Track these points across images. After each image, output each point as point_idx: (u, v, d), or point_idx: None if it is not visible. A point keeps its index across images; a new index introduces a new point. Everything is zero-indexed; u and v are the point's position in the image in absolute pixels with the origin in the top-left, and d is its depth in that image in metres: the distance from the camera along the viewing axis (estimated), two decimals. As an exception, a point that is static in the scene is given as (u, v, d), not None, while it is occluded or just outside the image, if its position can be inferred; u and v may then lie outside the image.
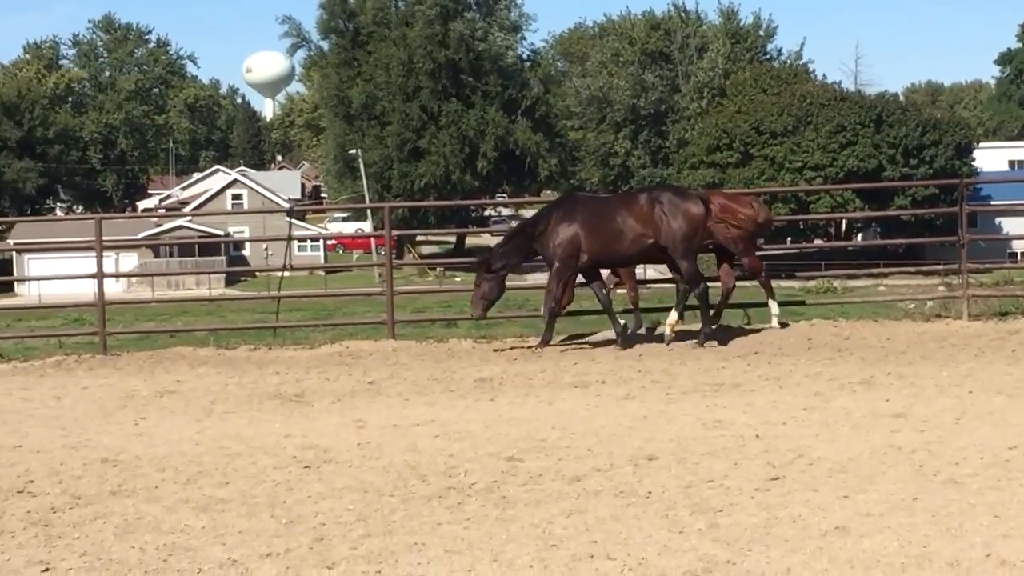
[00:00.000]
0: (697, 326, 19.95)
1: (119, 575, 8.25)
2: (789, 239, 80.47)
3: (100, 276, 22.25)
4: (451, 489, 10.39)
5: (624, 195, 22.68)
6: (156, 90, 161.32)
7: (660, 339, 19.98)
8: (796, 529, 8.93)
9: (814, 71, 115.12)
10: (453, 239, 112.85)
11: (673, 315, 19.99)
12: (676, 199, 19.78)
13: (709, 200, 20.24)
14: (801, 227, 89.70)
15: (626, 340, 19.81)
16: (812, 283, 31.61)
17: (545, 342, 20.02)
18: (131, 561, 8.55)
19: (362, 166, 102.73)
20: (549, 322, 20.23)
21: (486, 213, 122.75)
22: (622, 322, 20.22)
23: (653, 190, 21.21)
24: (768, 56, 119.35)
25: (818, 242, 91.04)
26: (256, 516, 9.67)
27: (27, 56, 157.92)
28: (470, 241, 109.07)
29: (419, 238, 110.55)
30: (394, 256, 23.17)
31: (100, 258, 22.34)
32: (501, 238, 21.05)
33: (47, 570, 8.40)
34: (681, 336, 19.79)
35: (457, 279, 76.98)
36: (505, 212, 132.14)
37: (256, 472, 11.28)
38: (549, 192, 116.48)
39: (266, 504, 10.04)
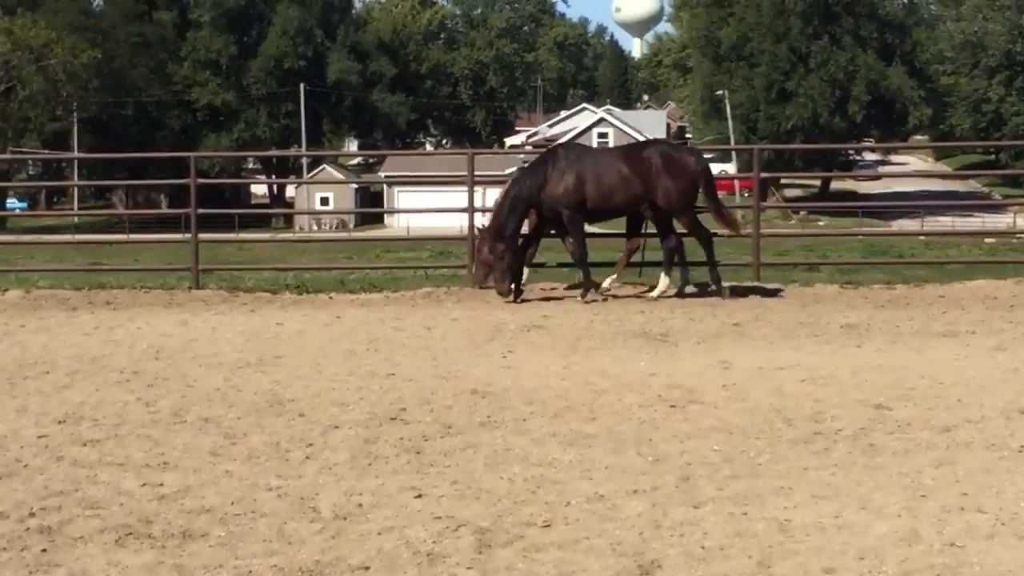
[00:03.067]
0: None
1: (489, 504, 8.40)
2: None
3: (471, 210, 22.67)
4: (817, 434, 10.28)
5: (619, 148, 22.08)
6: (526, 28, 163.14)
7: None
8: None
9: None
10: (818, 182, 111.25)
11: (713, 273, 20.30)
12: (672, 154, 20.05)
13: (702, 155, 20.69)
14: None
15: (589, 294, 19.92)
16: None
17: (587, 288, 19.97)
18: (500, 491, 8.71)
19: (728, 107, 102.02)
20: (583, 271, 20.22)
21: (852, 157, 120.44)
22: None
23: (647, 145, 21.08)
24: None
25: None
26: (622, 453, 9.74)
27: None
28: (835, 185, 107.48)
29: (783, 181, 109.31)
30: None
31: (471, 192, 22.77)
32: (499, 201, 20.29)
33: (419, 496, 8.61)
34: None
35: (821, 223, 76.00)
36: (871, 157, 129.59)
37: (622, 409, 11.36)
38: (918, 138, 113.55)
39: (632, 441, 10.10)
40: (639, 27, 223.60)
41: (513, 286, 19.79)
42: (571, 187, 19.69)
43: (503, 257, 19.65)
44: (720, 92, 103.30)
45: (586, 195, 19.75)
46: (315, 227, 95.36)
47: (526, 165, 21.00)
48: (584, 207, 19.89)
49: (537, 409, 11.39)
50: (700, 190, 20.15)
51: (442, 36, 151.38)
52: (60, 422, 11.06)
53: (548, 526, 7.94)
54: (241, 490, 8.77)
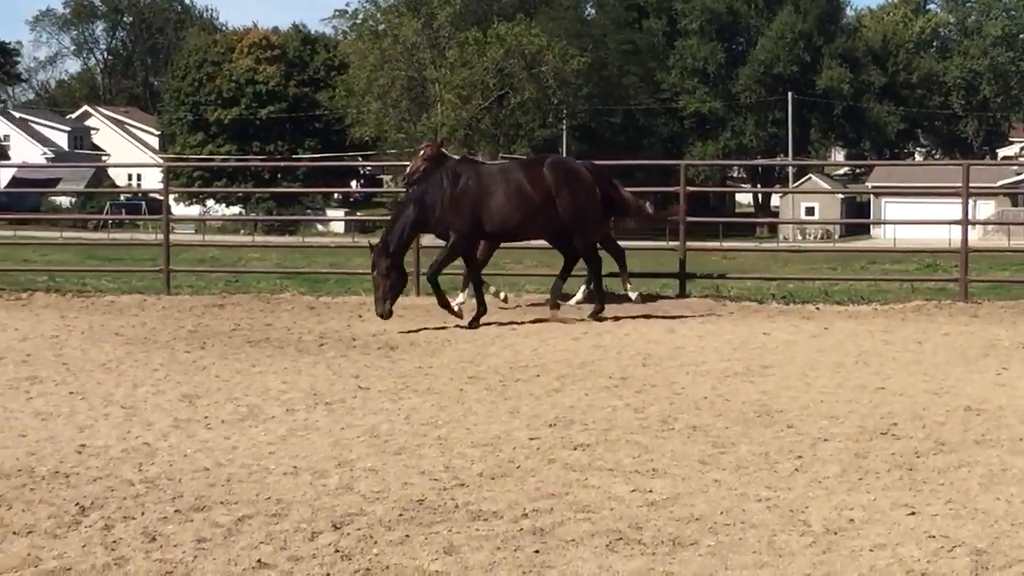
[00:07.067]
0: None
1: (985, 525, 8.10)
2: None
3: (965, 223, 22.08)
4: None
5: (519, 163, 20.35)
6: (1023, 36, 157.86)
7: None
8: None
9: None
10: None
11: (580, 294, 20.03)
12: (573, 168, 19.00)
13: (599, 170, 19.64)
14: None
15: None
16: None
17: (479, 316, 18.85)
18: (997, 512, 8.38)
19: None
20: (437, 291, 18.84)
21: None
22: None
23: (546, 159, 19.52)
24: None
25: None
26: None
27: (895, 1, 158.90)
28: None
29: None
30: None
31: (966, 204, 22.16)
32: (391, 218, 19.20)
33: (912, 513, 8.38)
34: None
35: None
36: None
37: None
38: None
39: None
40: None
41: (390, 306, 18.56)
42: (469, 209, 18.55)
43: (387, 275, 18.39)
44: None
45: (483, 215, 18.63)
46: (799, 237, 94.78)
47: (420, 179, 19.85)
48: (481, 227, 18.78)
49: (1039, 428, 10.97)
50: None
51: (934, 44, 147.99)
52: (551, 425, 11.29)
53: (1051, 552, 7.60)
54: (730, 500, 8.73)
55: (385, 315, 18.43)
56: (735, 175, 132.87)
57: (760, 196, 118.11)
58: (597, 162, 20.92)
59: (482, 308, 18.93)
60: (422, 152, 20.50)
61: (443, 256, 18.86)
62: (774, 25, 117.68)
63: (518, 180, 18.76)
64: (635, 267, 30.33)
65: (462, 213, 18.53)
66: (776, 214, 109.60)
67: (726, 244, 48.48)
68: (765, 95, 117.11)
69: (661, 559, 7.47)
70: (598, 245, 19.95)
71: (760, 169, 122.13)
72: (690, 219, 23.10)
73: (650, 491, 8.94)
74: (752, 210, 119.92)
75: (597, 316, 19.13)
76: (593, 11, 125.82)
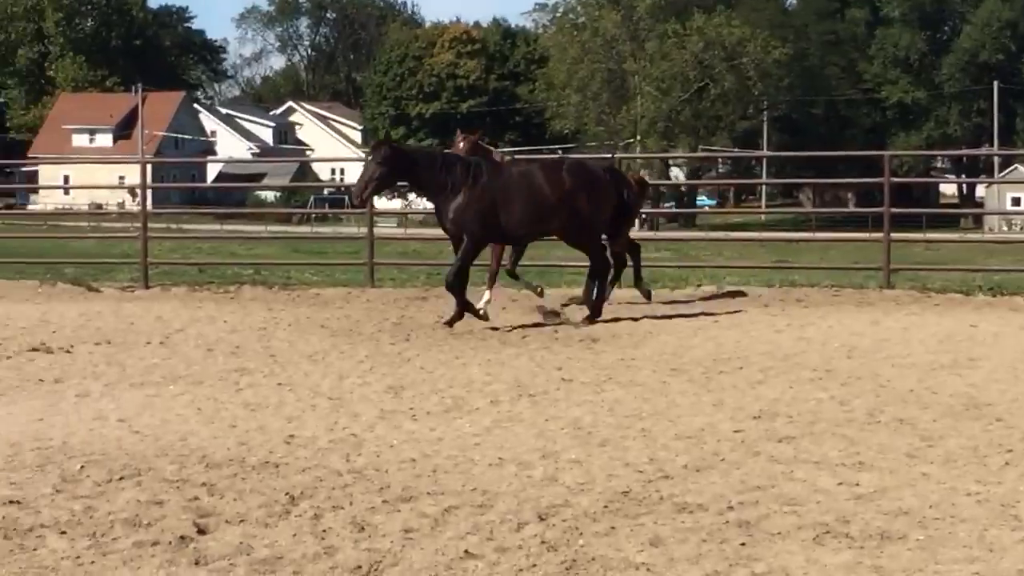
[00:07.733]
0: None
1: None
2: None
3: None
4: None
5: (535, 164, 19.22)
6: None
7: None
8: None
9: None
10: None
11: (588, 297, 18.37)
12: (587, 170, 18.18)
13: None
14: None
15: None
16: None
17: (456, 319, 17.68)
18: None
19: None
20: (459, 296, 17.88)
21: None
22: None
23: (561, 160, 19.14)
24: None
25: None
26: None
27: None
28: None
29: None
30: None
31: None
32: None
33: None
34: None
35: None
36: None
37: None
38: None
39: None
40: None
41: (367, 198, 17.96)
42: (484, 209, 17.53)
43: (382, 164, 17.32)
44: None
45: (500, 218, 17.66)
46: (1005, 228, 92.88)
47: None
48: (492, 231, 17.91)
49: None
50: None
51: None
52: (755, 417, 11.23)
53: None
54: (939, 494, 8.60)
55: (363, 203, 18.35)
56: (939, 165, 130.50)
57: (965, 187, 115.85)
58: (793, 153, 20.69)
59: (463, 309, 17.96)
60: (461, 144, 19.64)
61: (462, 259, 17.97)
62: (979, 13, 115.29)
63: (537, 182, 18.01)
64: (838, 260, 30.15)
65: (478, 212, 17.55)
66: (981, 205, 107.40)
67: (930, 235, 47.73)
68: (970, 84, 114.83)
69: (869, 553, 7.39)
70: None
71: (965, 159, 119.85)
72: (894, 210, 22.77)
73: (857, 484, 8.85)
74: (956, 201, 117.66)
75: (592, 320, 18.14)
76: (794, 1, 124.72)
